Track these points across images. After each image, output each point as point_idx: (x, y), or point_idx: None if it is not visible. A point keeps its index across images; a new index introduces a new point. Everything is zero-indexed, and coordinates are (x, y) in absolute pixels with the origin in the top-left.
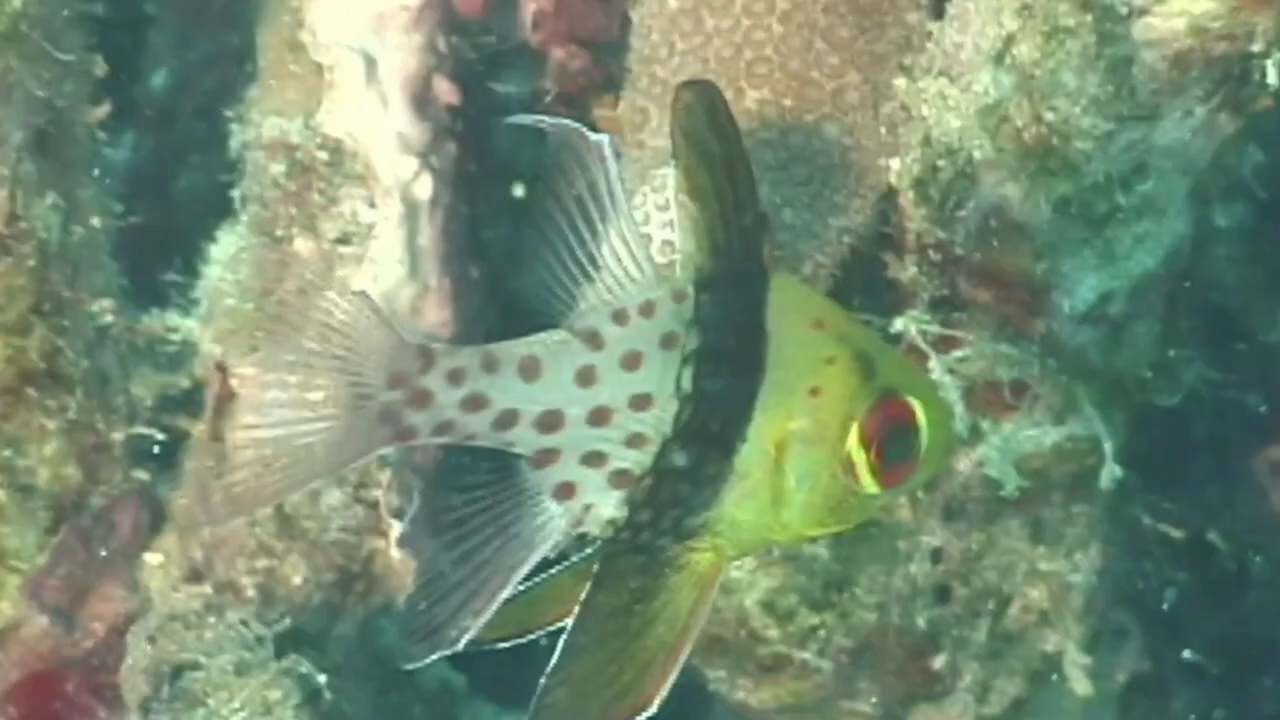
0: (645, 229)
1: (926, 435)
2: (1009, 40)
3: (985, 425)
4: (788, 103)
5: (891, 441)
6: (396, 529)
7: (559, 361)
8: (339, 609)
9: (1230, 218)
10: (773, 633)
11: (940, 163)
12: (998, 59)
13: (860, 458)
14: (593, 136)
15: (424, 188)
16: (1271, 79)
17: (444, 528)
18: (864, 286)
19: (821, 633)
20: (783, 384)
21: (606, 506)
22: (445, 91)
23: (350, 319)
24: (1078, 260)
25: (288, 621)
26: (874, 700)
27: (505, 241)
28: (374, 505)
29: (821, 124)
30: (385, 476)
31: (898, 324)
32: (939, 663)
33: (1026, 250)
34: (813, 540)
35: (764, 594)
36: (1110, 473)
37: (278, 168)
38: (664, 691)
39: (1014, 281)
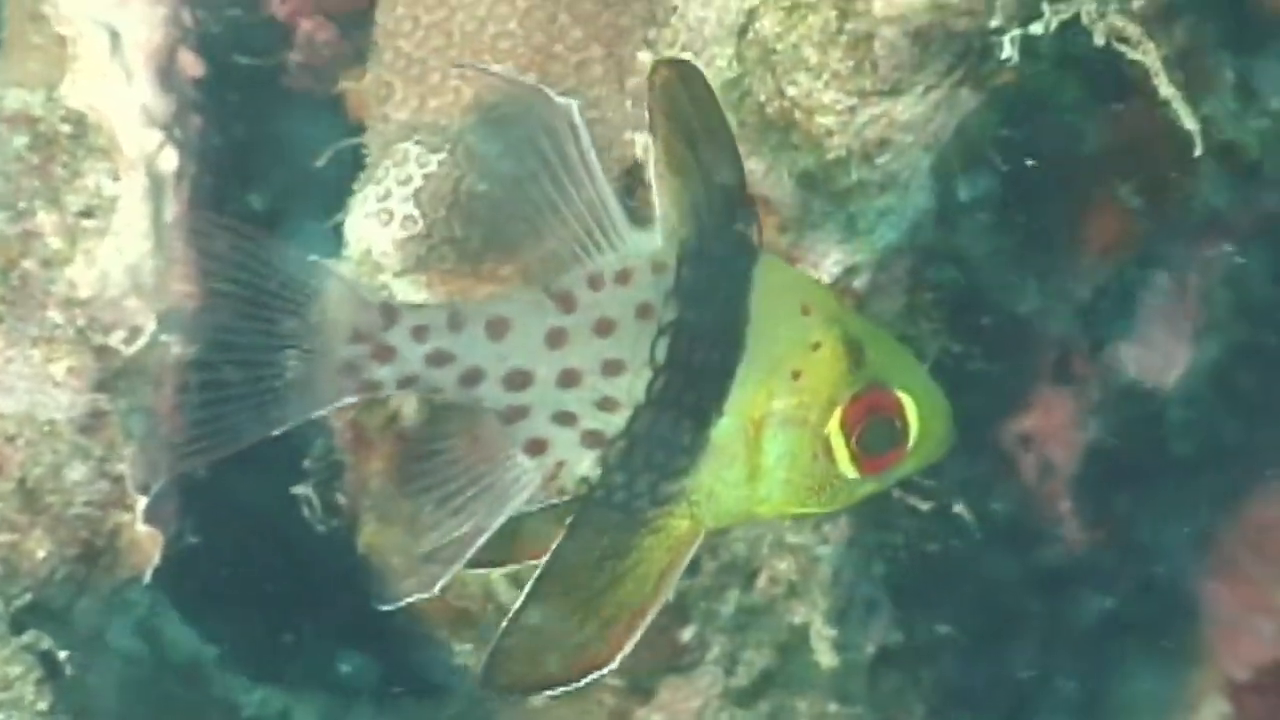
0: (386, 204)
1: (916, 427)
2: (751, 15)
3: None
4: (532, 76)
5: (873, 430)
6: (142, 503)
7: (528, 321)
8: (83, 584)
9: (974, 191)
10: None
11: None
12: (740, 33)
13: (840, 443)
14: (559, 100)
15: (168, 160)
16: (1010, 54)
17: (417, 477)
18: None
19: None
20: (764, 363)
21: (580, 464)
22: (190, 64)
23: (308, 279)
24: (822, 234)
25: (29, 597)
26: (621, 672)
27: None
28: (119, 479)
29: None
30: (130, 450)
31: None
32: (687, 635)
33: (770, 224)
34: (798, 518)
35: (509, 567)
36: None
37: (20, 140)
38: (625, 650)
39: (771, 251)
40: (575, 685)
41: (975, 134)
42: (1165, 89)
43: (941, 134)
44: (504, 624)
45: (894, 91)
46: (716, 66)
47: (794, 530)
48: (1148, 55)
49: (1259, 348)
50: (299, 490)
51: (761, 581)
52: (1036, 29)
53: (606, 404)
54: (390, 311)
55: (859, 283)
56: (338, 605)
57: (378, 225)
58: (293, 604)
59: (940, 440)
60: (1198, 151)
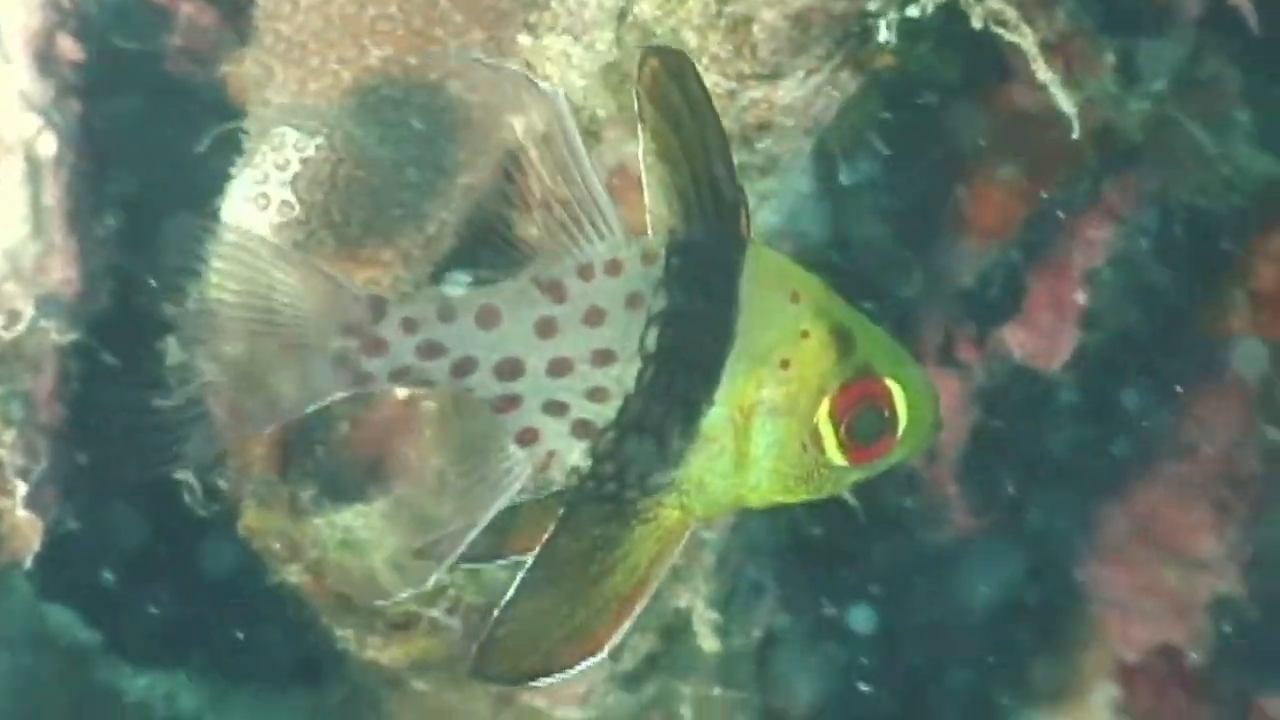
0: (264, 189)
1: (905, 416)
2: None
3: None
4: (411, 60)
5: (862, 419)
6: (22, 489)
7: (518, 311)
8: None
9: (855, 175)
10: (401, 591)
11: None
12: (620, 17)
13: (828, 432)
14: (546, 88)
15: (47, 145)
16: (888, 37)
17: (411, 468)
18: (491, 244)
19: (451, 591)
20: (753, 352)
21: (571, 454)
22: (69, 49)
23: (300, 277)
24: None
25: None
26: None
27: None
28: None
29: (445, 82)
30: (10, 436)
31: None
32: None
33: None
34: (786, 505)
35: (393, 553)
36: None
37: None
38: (615, 639)
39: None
40: (566, 674)
41: (857, 117)
42: (1043, 73)
43: (822, 117)
44: (495, 614)
45: (774, 75)
46: (597, 50)
47: None
48: (1025, 39)
49: (1145, 329)
50: (180, 475)
51: None
52: (914, 12)
53: (597, 394)
54: (379, 305)
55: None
56: (221, 591)
57: (255, 210)
58: (176, 590)
59: (928, 429)
60: (1075, 134)
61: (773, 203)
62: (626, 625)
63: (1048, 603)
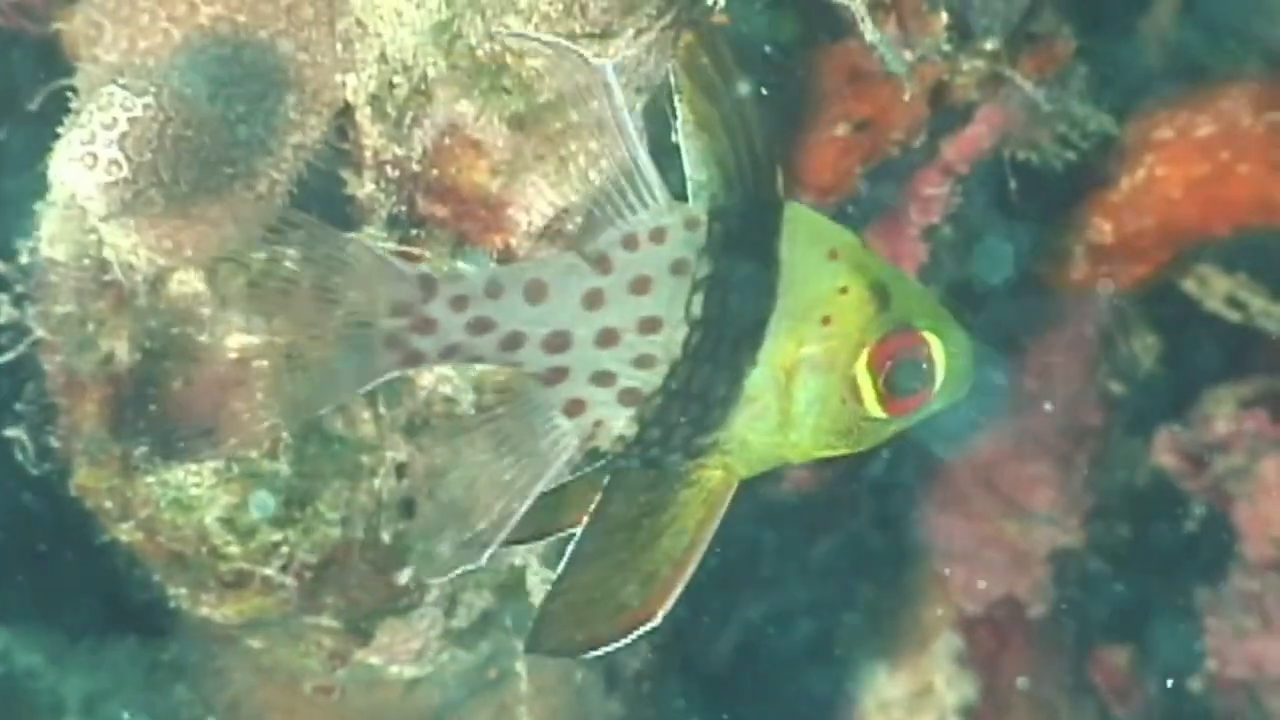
0: (91, 148)
1: (943, 366)
2: None
3: None
4: (241, 19)
5: (901, 371)
6: None
7: (566, 284)
8: None
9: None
10: (234, 549)
11: (396, 79)
12: None
13: (867, 384)
14: (594, 61)
15: None
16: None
17: (460, 445)
18: (322, 203)
19: (284, 549)
20: (794, 311)
21: (617, 422)
22: None
23: (346, 258)
24: (533, 176)
25: None
26: (339, 615)
27: None
28: None
29: (276, 40)
30: None
31: None
32: (405, 577)
33: (483, 167)
34: (825, 460)
35: (224, 510)
36: None
37: None
38: (668, 605)
39: (471, 198)
40: (622, 643)
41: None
42: (870, 34)
43: (654, 77)
44: (549, 589)
45: (605, 35)
46: (427, 8)
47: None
48: (852, 1)
49: (981, 283)
50: (12, 433)
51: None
52: None
53: (643, 361)
54: (429, 283)
55: (572, 225)
56: (55, 547)
57: (82, 169)
58: (9, 546)
59: (964, 379)
60: (908, 94)
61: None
62: (679, 590)
63: (890, 554)
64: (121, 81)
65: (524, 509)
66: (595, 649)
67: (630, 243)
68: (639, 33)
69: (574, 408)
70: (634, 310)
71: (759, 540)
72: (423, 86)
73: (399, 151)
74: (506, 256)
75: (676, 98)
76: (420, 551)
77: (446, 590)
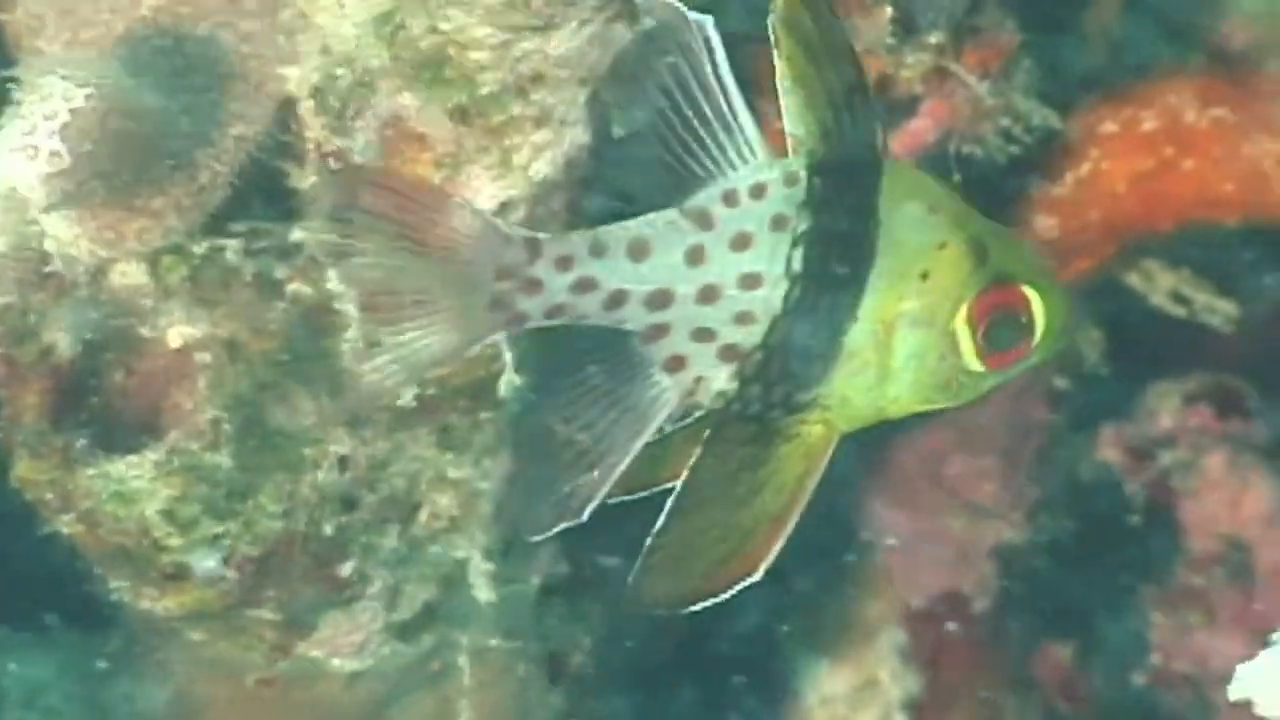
0: (32, 139)
1: (1042, 321)
2: None
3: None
4: (183, 10)
5: (1000, 325)
6: None
7: (668, 241)
8: None
9: (630, 126)
10: (175, 541)
11: (338, 71)
12: None
13: (966, 338)
14: (693, 16)
15: None
16: None
17: (562, 402)
18: (265, 195)
19: (226, 541)
20: (894, 267)
21: (717, 379)
22: None
23: (456, 220)
24: (477, 169)
25: None
26: (281, 608)
27: None
28: None
29: (218, 31)
30: None
31: (296, 233)
32: (347, 569)
33: (426, 160)
34: (924, 414)
35: (164, 503)
36: (509, 381)
37: None
38: (769, 559)
39: None
40: (722, 597)
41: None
42: None
43: (597, 68)
44: (648, 541)
45: (547, 27)
46: (369, 1)
47: (454, 465)
48: None
49: None
50: None
51: (423, 516)
52: None
53: (744, 318)
54: (534, 245)
55: (515, 217)
56: None
57: (24, 160)
58: None
59: (1063, 333)
60: None
61: (547, 153)
62: (779, 544)
63: (834, 546)
64: (63, 72)
65: (625, 464)
66: (696, 602)
67: (730, 199)
68: (581, 24)
69: (674, 364)
70: (735, 266)
71: None
72: (365, 79)
73: (342, 144)
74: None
75: (775, 53)
76: (521, 510)
77: (389, 583)
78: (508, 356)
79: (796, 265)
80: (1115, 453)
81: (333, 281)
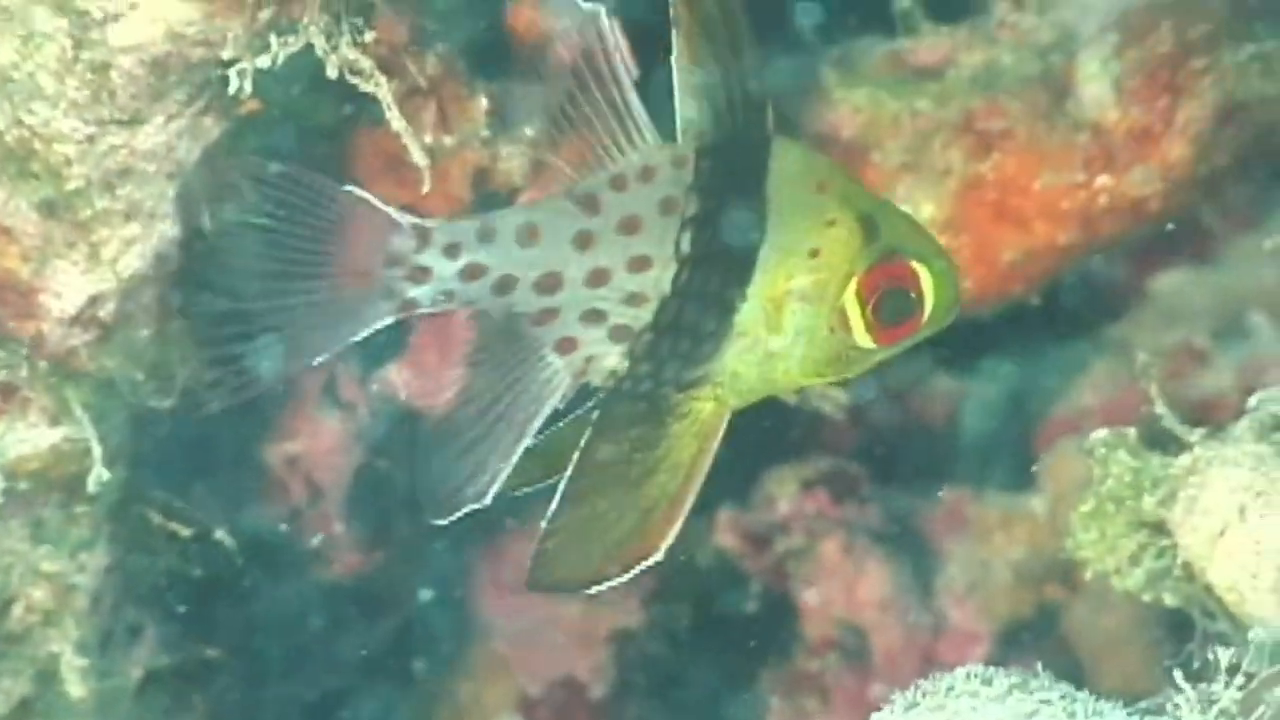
0: None
1: (931, 295)
2: None
3: None
4: None
5: (889, 299)
6: None
7: (556, 227)
8: None
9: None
10: None
11: None
12: None
13: (855, 313)
14: (586, 6)
15: None
16: (239, 86)
17: (455, 390)
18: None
19: None
20: (783, 245)
21: (609, 358)
22: None
23: (342, 208)
24: (65, 263)
25: None
26: None
27: None
28: None
29: None
30: None
31: None
32: None
33: (13, 253)
34: (811, 387)
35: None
36: (97, 476)
37: None
38: (669, 539)
39: (2, 284)
40: (625, 578)
41: (223, 162)
42: (396, 123)
43: (186, 162)
44: (542, 526)
45: (134, 121)
46: None
47: (49, 558)
48: (380, 89)
49: None
50: None
51: (18, 610)
52: (264, 62)
53: (634, 299)
54: (423, 232)
55: (104, 312)
56: None
57: None
58: None
59: (950, 307)
60: (425, 188)
61: (136, 247)
62: (678, 525)
63: (449, 635)
64: None
65: (523, 444)
66: (597, 584)
67: (619, 183)
68: (169, 119)
69: (566, 345)
70: (624, 250)
71: (307, 623)
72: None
73: None
74: (38, 342)
75: (674, 31)
76: (427, 495)
77: None
78: (97, 452)
79: (685, 246)
80: (732, 538)
81: None
